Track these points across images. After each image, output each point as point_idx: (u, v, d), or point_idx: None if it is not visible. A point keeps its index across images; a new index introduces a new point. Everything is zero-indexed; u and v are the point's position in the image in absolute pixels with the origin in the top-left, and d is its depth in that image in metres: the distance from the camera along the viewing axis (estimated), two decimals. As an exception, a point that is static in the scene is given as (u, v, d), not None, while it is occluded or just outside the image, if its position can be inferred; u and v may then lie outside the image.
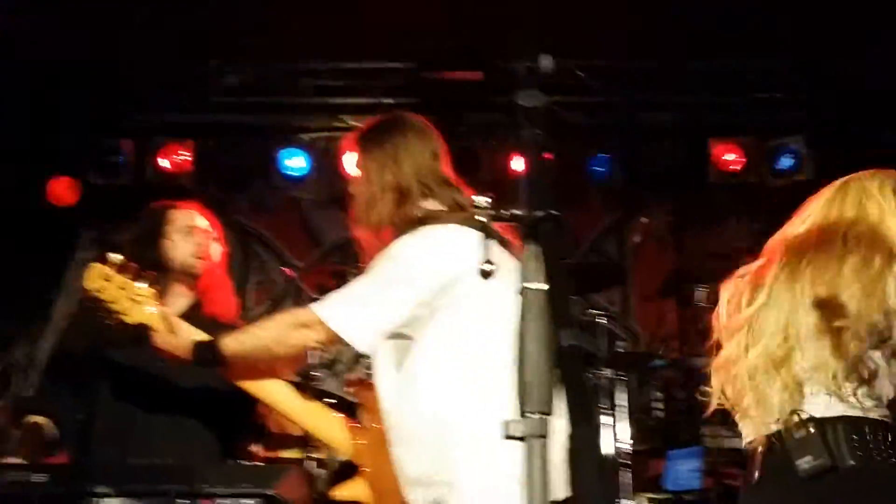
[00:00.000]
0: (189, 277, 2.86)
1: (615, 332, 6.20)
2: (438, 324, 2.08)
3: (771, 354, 1.76)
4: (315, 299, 4.91)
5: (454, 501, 2.01)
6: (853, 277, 1.72)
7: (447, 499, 2.02)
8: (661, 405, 5.97)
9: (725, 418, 1.92)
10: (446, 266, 2.07)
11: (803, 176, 5.92)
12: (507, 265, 1.66)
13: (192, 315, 2.64)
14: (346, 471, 2.40)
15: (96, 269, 2.34)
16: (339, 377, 6.32)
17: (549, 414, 0.96)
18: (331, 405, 4.49)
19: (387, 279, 2.11)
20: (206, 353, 2.28)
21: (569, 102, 5.78)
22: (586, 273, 5.59)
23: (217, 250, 2.96)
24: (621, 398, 4.89)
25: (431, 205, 2.18)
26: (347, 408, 4.75)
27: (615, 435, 4.78)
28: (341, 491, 2.38)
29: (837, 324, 1.70)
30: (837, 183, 1.96)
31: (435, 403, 2.06)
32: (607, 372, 4.71)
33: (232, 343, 2.28)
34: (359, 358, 5.96)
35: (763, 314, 1.80)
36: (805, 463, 1.69)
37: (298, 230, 6.73)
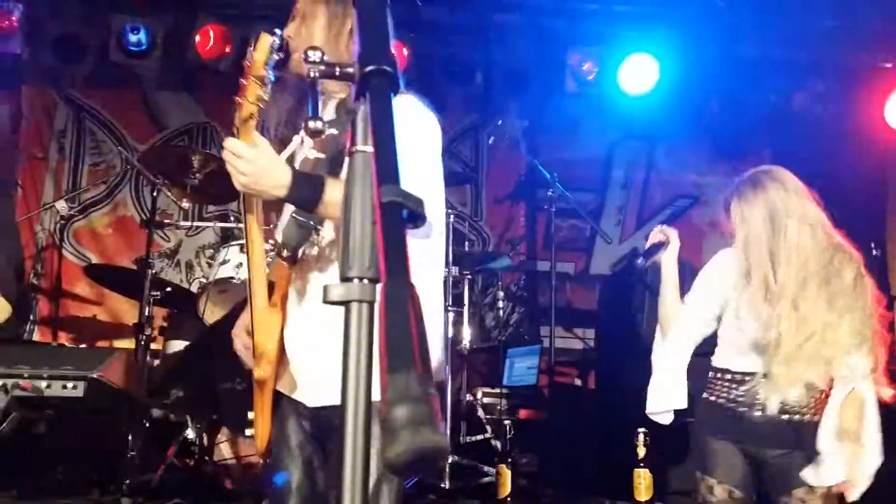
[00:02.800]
0: None
1: (464, 231, 6.27)
2: None
3: None
4: (156, 185, 4.52)
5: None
6: None
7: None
8: (503, 305, 6.15)
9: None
10: None
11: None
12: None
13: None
14: None
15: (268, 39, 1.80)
16: (179, 267, 6.10)
17: (374, 280, 0.90)
18: (167, 294, 4.35)
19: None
20: (309, 191, 1.80)
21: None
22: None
23: None
24: (466, 297, 4.99)
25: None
26: (184, 296, 4.61)
27: (461, 332, 4.90)
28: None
29: None
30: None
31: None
32: (454, 270, 4.76)
33: (333, 188, 1.81)
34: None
35: None
36: None
37: (138, 110, 6.30)
